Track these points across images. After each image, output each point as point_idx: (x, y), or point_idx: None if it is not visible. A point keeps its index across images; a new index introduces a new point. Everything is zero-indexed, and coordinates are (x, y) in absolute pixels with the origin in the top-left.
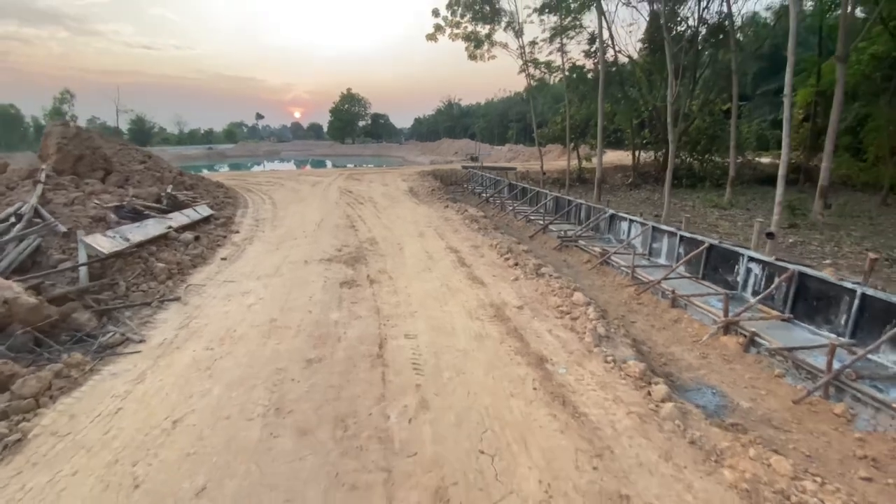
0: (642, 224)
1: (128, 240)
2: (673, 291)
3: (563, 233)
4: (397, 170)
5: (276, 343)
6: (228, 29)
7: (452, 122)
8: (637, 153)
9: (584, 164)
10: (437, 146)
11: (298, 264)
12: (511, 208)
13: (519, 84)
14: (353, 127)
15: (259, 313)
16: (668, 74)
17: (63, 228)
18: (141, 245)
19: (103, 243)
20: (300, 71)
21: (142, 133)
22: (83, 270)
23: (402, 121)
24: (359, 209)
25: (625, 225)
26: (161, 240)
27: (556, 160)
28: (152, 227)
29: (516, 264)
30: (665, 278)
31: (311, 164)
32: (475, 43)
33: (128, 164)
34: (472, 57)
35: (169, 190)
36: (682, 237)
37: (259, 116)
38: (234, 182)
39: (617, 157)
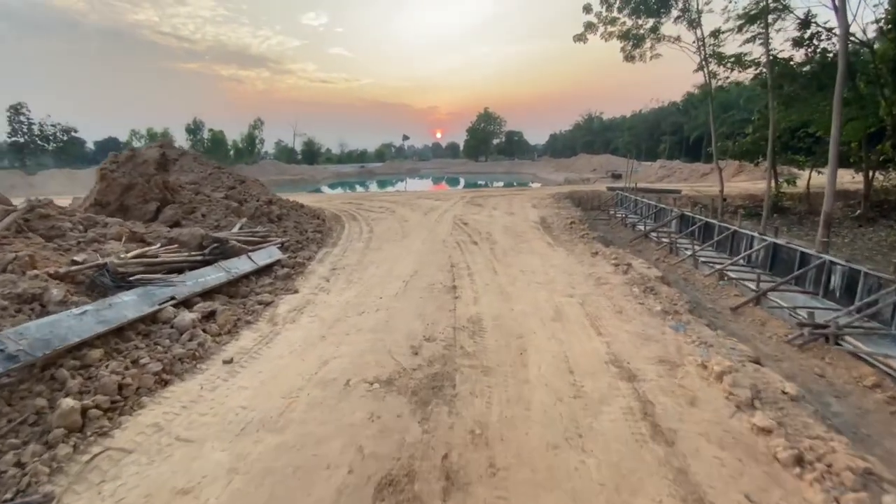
0: None
1: (14, 356)
2: None
3: (807, 315)
4: (527, 192)
5: None
6: (388, 62)
7: (592, 136)
8: (871, 174)
9: (785, 187)
10: (573, 162)
11: (332, 390)
12: (689, 253)
13: (675, 91)
14: (487, 145)
15: None
16: None
17: None
18: (76, 349)
19: None
20: (443, 94)
21: (311, 153)
22: None
23: (537, 137)
24: (470, 253)
25: None
26: (141, 324)
27: (729, 180)
28: (119, 310)
29: (800, 461)
30: None
31: (446, 181)
32: (634, 41)
33: (208, 192)
34: (630, 58)
35: (237, 227)
36: None
37: (405, 137)
38: (349, 206)
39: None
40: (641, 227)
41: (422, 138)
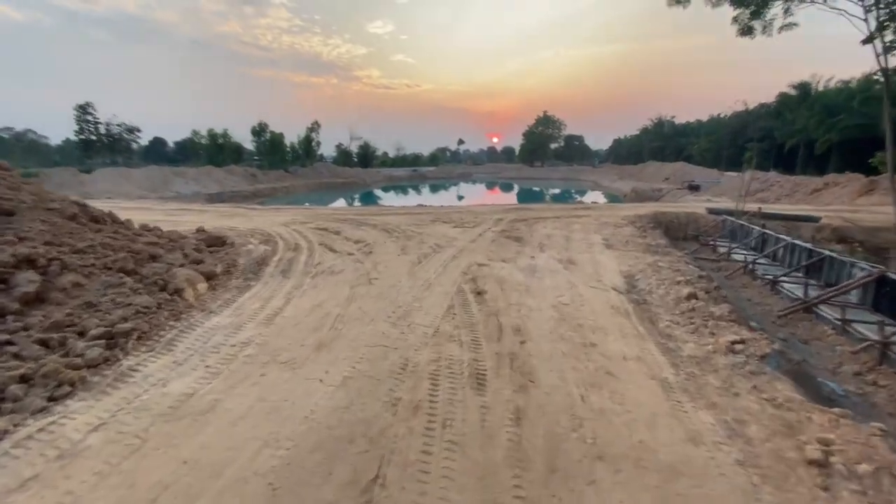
0: None
1: None
2: None
3: None
4: (592, 212)
5: None
6: (449, 67)
7: (662, 142)
8: None
9: None
10: (641, 170)
11: None
12: None
13: (760, 94)
14: (544, 149)
15: None
16: None
17: None
18: None
19: None
20: (502, 99)
21: (365, 157)
22: None
23: (600, 142)
24: (452, 489)
25: None
26: None
27: (855, 200)
28: None
29: None
30: None
31: (500, 186)
32: (754, 6)
33: None
34: (746, 31)
35: None
36: None
37: (460, 142)
38: (319, 235)
39: None
40: (791, 288)
41: (478, 143)
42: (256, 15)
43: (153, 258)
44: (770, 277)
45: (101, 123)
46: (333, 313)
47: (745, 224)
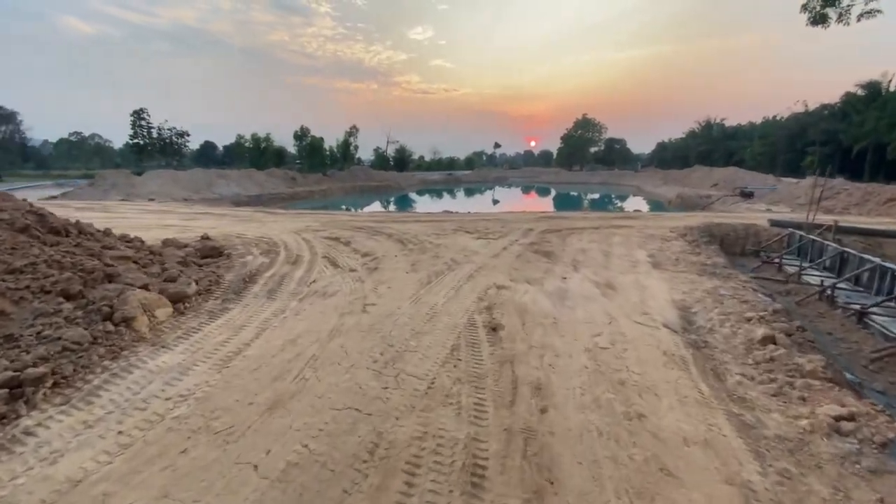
0: None
1: None
2: None
3: None
4: (636, 222)
5: None
6: (487, 71)
7: (710, 145)
8: None
9: None
10: (687, 175)
11: None
12: None
13: (825, 92)
14: (583, 153)
15: None
16: None
17: None
18: None
19: None
20: (541, 102)
21: (402, 160)
22: None
23: (643, 146)
24: None
25: None
26: None
27: None
28: None
29: None
30: None
31: (536, 190)
32: None
33: None
34: (818, 20)
35: None
36: None
37: (497, 145)
38: (326, 246)
39: None
40: (885, 323)
41: (516, 146)
42: (303, 24)
43: (109, 277)
44: (856, 307)
45: (153, 128)
46: (307, 354)
47: (817, 239)
